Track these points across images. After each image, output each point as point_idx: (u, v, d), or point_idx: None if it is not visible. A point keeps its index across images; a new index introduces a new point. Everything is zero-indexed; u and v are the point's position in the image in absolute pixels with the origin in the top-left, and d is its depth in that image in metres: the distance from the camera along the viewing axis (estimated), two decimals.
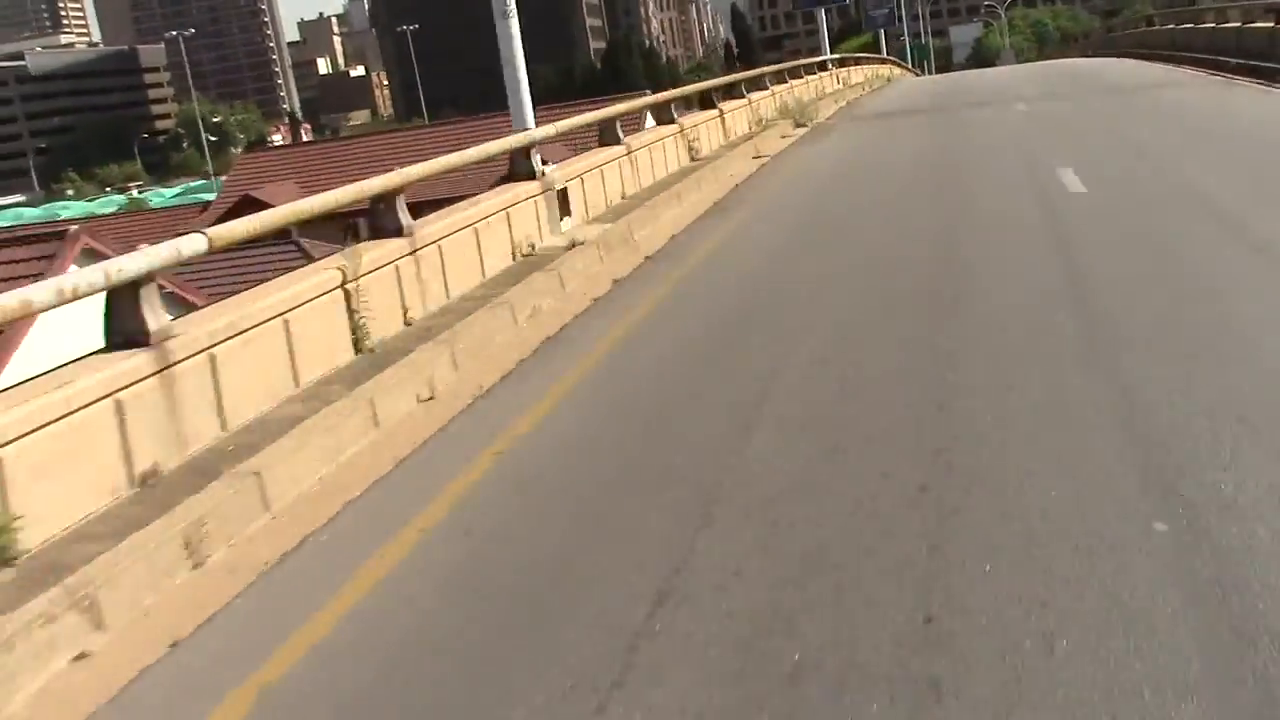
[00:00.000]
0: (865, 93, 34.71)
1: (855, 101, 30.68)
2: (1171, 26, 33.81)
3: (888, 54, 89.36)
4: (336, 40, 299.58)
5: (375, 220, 8.25)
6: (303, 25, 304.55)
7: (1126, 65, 31.83)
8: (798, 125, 22.41)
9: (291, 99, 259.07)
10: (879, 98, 32.35)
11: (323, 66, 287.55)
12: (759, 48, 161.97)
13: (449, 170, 9.90)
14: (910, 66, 72.71)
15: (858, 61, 40.16)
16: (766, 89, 24.03)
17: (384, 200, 8.22)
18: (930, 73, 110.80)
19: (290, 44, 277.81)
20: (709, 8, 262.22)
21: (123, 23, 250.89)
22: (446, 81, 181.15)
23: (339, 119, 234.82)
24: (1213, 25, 28.09)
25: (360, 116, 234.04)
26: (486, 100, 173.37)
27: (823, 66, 33.34)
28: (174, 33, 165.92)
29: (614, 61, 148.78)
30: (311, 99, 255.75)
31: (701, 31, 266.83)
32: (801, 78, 28.62)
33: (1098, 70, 31.83)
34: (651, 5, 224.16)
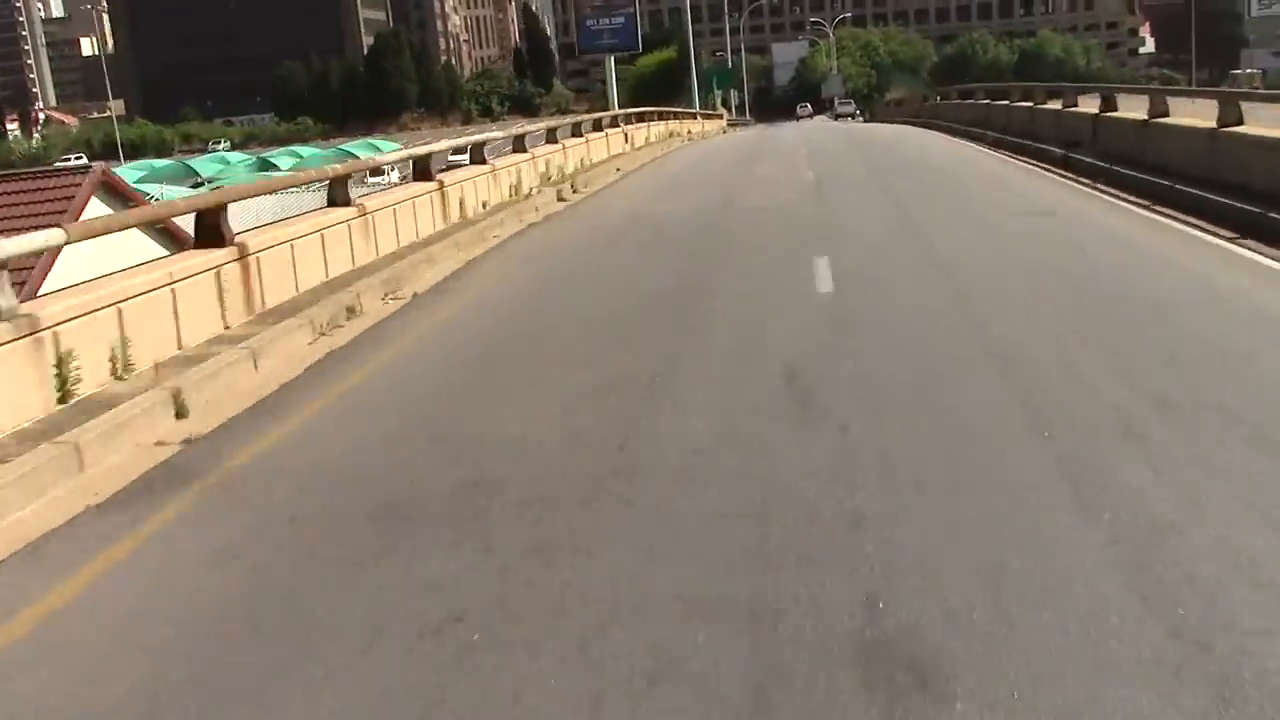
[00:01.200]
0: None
1: None
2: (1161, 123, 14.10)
3: (694, 77, 70.18)
4: (108, 19, 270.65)
5: None
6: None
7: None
8: None
9: (44, 83, 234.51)
10: None
11: (88, 48, 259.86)
12: (557, 56, 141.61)
13: None
14: (699, 109, 50.98)
15: (512, 143, 18.31)
16: None
17: None
18: (739, 111, 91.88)
19: (53, 20, 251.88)
20: (535, 5, 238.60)
21: None
22: (198, 77, 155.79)
23: (94, 107, 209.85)
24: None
25: (121, 106, 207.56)
26: (232, 99, 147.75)
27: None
28: None
29: (378, 62, 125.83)
30: (72, 83, 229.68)
31: (520, 31, 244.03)
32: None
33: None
34: None
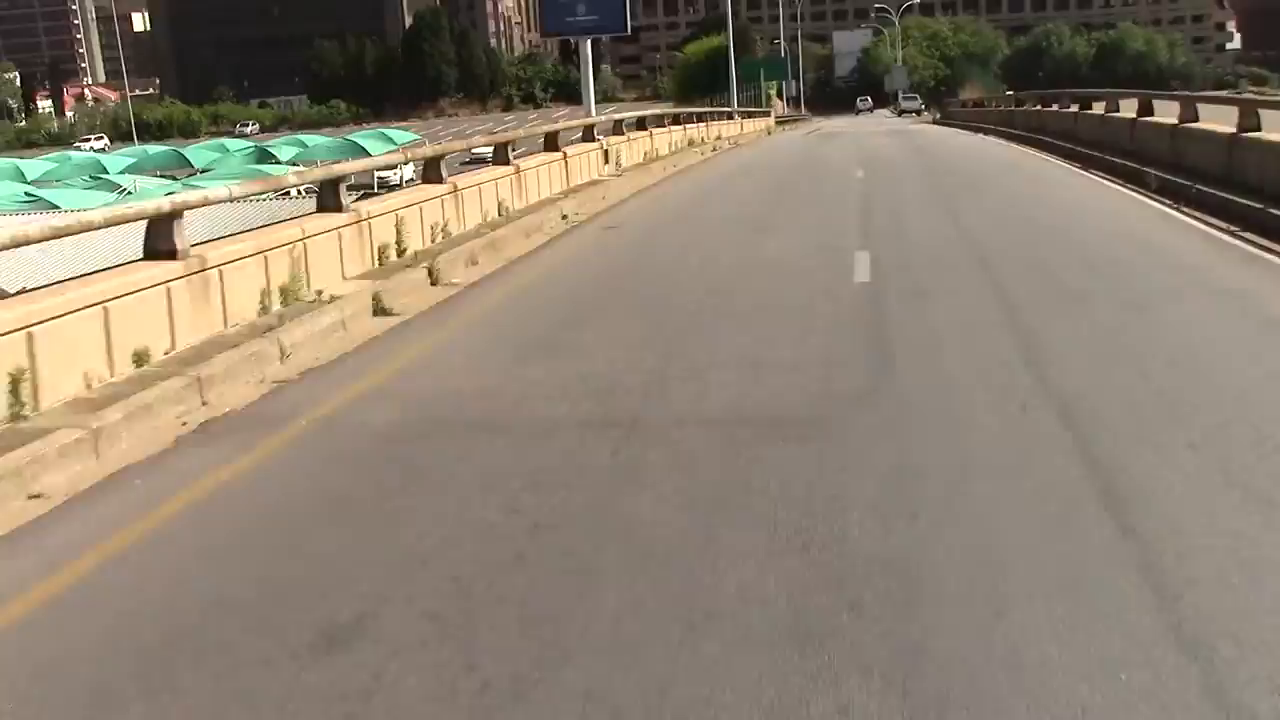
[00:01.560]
0: None
1: None
2: None
3: (735, 72, 61.97)
4: None
5: None
6: None
7: None
8: None
9: (92, 59, 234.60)
10: None
11: (139, 24, 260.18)
12: (606, 41, 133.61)
13: None
14: (740, 106, 41.56)
15: None
16: None
17: None
18: (793, 104, 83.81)
19: None
20: None
21: None
22: (237, 56, 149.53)
23: (145, 84, 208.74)
24: None
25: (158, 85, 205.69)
26: (270, 79, 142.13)
27: None
28: None
29: (416, 45, 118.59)
30: (123, 59, 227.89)
31: None
32: None
33: None
34: None
